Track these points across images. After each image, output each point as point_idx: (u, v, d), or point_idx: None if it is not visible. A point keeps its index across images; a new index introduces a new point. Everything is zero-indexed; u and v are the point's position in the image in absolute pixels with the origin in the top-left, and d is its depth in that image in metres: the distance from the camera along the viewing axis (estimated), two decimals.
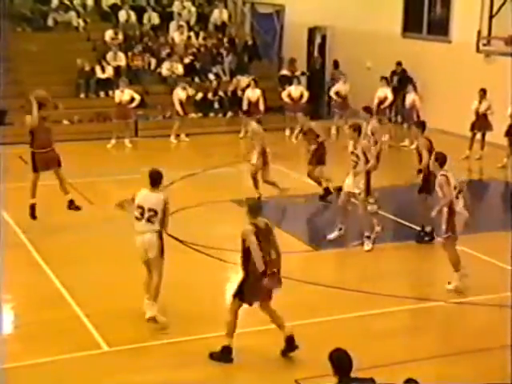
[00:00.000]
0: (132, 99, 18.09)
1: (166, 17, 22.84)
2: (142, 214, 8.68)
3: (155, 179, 8.83)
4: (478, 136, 16.66)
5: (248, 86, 19.55)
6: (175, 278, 10.12)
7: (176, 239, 11.38)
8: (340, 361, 5.46)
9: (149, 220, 8.67)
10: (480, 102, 16.32)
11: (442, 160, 9.87)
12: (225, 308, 9.67)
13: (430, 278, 10.60)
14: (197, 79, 20.78)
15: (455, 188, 9.79)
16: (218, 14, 23.50)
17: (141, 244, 8.82)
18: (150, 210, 8.66)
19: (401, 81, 19.24)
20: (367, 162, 11.15)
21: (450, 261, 9.82)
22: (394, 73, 19.57)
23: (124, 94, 18.00)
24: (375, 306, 9.32)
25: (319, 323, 8.85)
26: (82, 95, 19.70)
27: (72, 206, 11.84)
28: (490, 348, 8.21)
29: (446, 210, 9.70)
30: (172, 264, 10.47)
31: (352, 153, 11.30)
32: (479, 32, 16.79)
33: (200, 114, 19.93)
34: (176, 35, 21.91)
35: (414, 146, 13.68)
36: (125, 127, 18.04)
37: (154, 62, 20.98)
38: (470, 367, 7.97)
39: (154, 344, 8.25)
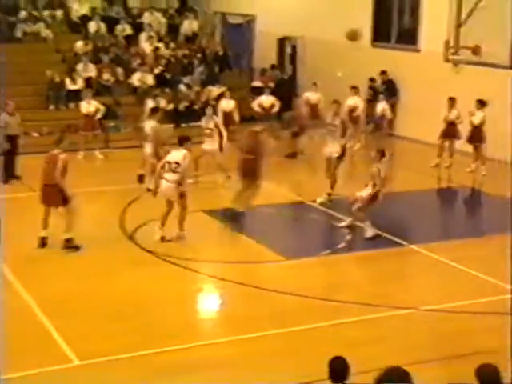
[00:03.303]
0: (98, 110, 18.06)
1: (137, 28, 22.82)
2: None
3: (180, 140, 11.70)
4: (447, 144, 16.82)
5: (221, 96, 19.58)
6: (148, 291, 10.11)
7: (148, 251, 11.36)
8: (337, 368, 5.53)
9: (173, 171, 11.44)
10: (449, 111, 16.49)
11: None
12: (198, 319, 9.69)
13: (401, 286, 10.66)
14: (167, 90, 20.75)
15: None
16: (189, 25, 23.52)
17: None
18: (175, 162, 11.44)
19: (387, 90, 19.37)
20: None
21: None
22: (383, 82, 19.68)
23: (90, 106, 17.96)
24: (347, 314, 9.34)
25: (292, 333, 8.84)
26: (52, 107, 19.58)
27: None
28: (461, 355, 8.27)
29: None
30: (144, 276, 10.50)
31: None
32: (447, 42, 16.95)
33: (172, 125, 19.89)
34: (146, 46, 21.89)
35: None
36: (93, 139, 17.97)
37: (124, 73, 20.92)
38: (442, 374, 8.02)
39: (126, 357, 8.18)
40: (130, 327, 8.94)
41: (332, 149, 13.72)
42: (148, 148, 14.69)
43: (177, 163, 11.58)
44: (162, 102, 18.80)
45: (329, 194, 13.78)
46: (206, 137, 15.46)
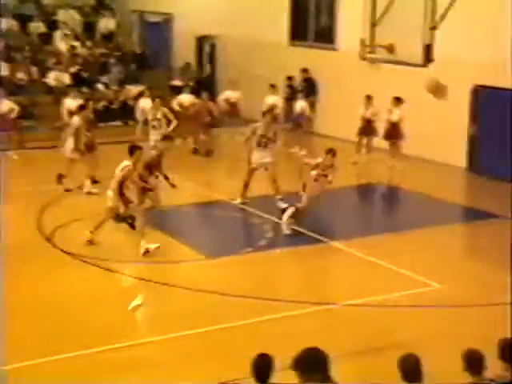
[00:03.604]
0: (11, 110, 17.64)
1: (51, 26, 22.36)
2: None
3: (130, 149, 11.42)
4: (365, 141, 17.10)
5: (140, 95, 19.42)
6: (70, 293, 9.92)
7: (67, 253, 11.15)
8: (261, 366, 5.48)
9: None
10: (366, 108, 16.77)
11: None
12: (122, 320, 9.55)
13: (323, 282, 10.78)
14: (85, 89, 20.40)
15: None
16: (106, 23, 23.21)
17: None
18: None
19: (307, 88, 19.56)
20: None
21: None
22: (303, 80, 19.87)
23: (3, 105, 17.52)
24: (270, 311, 9.37)
25: (216, 331, 8.82)
26: None
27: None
28: (380, 347, 8.41)
29: None
30: (66, 279, 10.30)
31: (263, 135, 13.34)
32: (363, 40, 17.21)
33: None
34: (62, 44, 21.47)
35: (303, 153, 13.96)
36: (7, 139, 17.54)
37: (39, 71, 20.48)
38: (361, 367, 8.14)
39: (48, 360, 7.98)
40: (52, 330, 8.75)
41: (263, 158, 13.48)
42: (70, 145, 14.40)
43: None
44: (80, 102, 18.45)
45: (281, 199, 13.46)
46: (153, 129, 15.27)
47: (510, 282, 9.87)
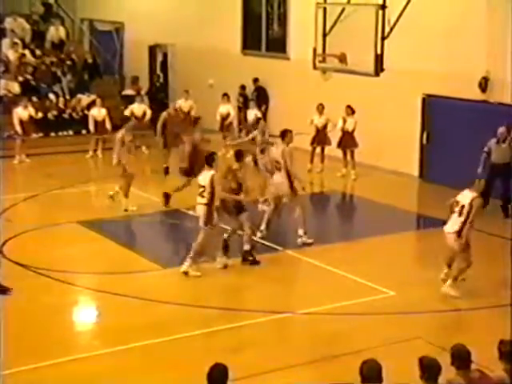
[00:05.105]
0: None
1: None
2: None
3: (207, 159, 10.78)
4: (318, 150, 17.21)
5: (92, 105, 19.26)
6: (21, 305, 9.75)
7: (19, 264, 10.96)
8: (216, 375, 5.51)
9: (200, 194, 10.60)
10: (319, 117, 16.89)
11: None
12: (75, 332, 9.43)
13: (278, 290, 10.80)
14: (35, 98, 20.11)
15: None
16: (55, 32, 22.92)
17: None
18: (200, 186, 10.61)
19: (259, 97, 19.62)
20: None
21: None
22: (254, 89, 19.96)
23: None
24: (225, 321, 9.36)
25: (171, 341, 8.77)
26: None
27: None
28: (337, 355, 8.46)
29: None
30: (17, 291, 10.09)
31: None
32: (314, 50, 17.37)
33: (41, 134, 19.34)
34: (10, 53, 21.15)
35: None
36: None
37: None
38: (320, 375, 8.18)
39: (6, 373, 7.83)
40: (5, 343, 8.58)
41: None
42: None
43: (202, 186, 10.70)
44: (31, 111, 18.25)
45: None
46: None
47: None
